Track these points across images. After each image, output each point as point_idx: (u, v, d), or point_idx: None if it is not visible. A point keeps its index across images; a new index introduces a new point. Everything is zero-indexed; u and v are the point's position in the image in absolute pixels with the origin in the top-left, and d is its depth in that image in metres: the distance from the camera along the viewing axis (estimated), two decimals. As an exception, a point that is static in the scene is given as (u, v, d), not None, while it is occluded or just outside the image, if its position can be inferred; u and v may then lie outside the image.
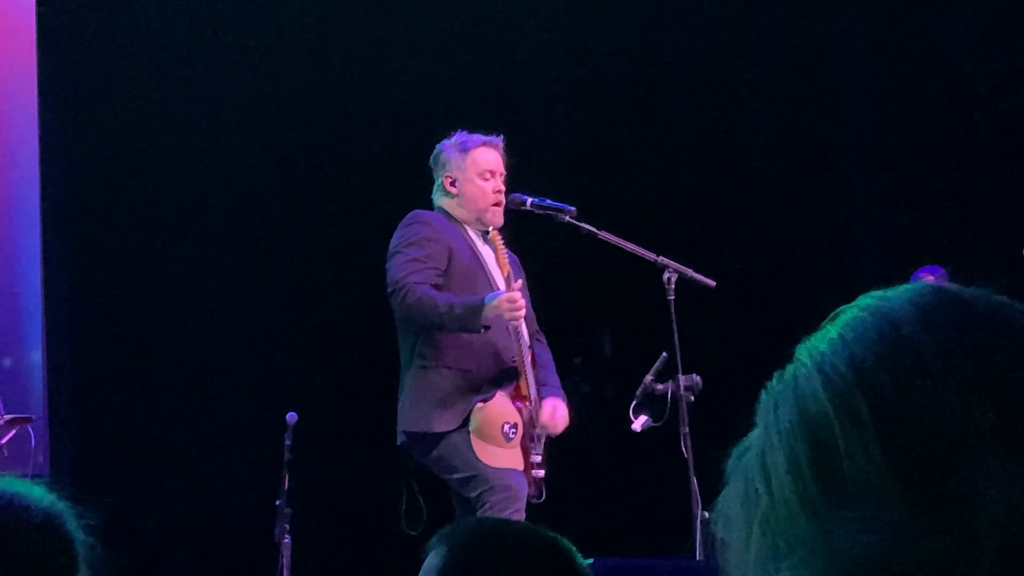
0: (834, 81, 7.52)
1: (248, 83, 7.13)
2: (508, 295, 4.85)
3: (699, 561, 4.88)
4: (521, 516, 4.92)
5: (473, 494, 4.93)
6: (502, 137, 5.28)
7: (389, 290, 5.05)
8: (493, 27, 7.38)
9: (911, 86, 7.40)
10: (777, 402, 0.93)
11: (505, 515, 4.84)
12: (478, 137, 5.25)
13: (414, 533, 5.09)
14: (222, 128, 7.07)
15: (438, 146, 5.29)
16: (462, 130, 5.29)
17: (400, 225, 5.19)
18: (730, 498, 0.93)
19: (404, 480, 5.21)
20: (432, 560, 1.83)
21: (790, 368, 0.94)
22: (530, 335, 5.29)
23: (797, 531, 0.88)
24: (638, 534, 6.68)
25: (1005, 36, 7.31)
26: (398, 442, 5.17)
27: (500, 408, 5.01)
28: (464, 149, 5.22)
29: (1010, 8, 7.30)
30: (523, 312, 4.92)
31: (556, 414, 5.19)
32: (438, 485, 5.20)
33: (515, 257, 5.43)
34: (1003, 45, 7.32)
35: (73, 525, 1.52)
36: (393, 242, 5.15)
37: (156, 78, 7.03)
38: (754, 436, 0.95)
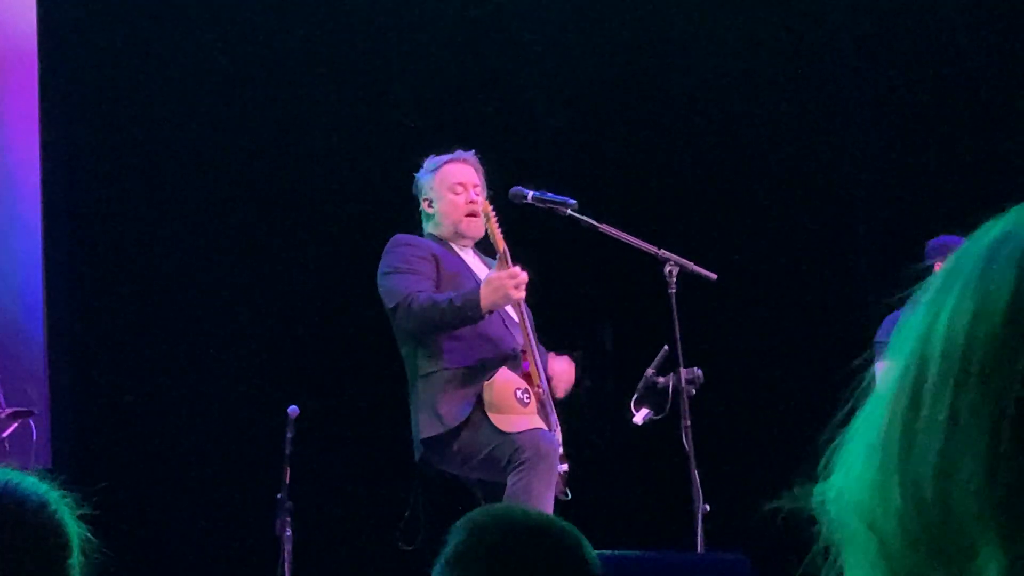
0: (834, 72, 7.52)
1: (248, 85, 7.12)
2: (509, 271, 4.88)
3: (700, 555, 4.88)
4: (554, 472, 4.89)
5: (502, 463, 4.88)
6: (473, 152, 5.35)
7: (391, 306, 5.07)
8: (492, 20, 7.38)
9: (912, 76, 7.39)
10: (967, 277, 0.76)
11: (538, 470, 4.81)
12: (446, 156, 5.35)
13: (409, 548, 5.09)
14: (222, 122, 7.07)
15: (415, 176, 5.38)
16: (432, 155, 5.38)
17: (384, 253, 5.24)
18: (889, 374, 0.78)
19: (412, 495, 5.20)
20: (449, 543, 1.89)
21: (997, 231, 0.77)
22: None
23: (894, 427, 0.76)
24: (639, 527, 6.68)
25: (1005, 29, 7.30)
26: (416, 458, 5.16)
27: (507, 378, 5.02)
28: (433, 169, 5.33)
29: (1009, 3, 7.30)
30: (524, 287, 4.93)
31: (561, 367, 5.23)
32: (448, 501, 5.19)
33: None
34: (1004, 37, 7.31)
35: (67, 514, 1.53)
36: (381, 268, 5.21)
37: (157, 79, 7.03)
38: (932, 294, 0.78)
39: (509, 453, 4.88)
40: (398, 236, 5.27)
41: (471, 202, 5.24)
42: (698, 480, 4.98)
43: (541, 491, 4.78)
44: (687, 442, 5.02)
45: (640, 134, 7.48)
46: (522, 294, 4.94)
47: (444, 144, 5.57)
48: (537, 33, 7.46)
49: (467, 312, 4.92)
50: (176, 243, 7.01)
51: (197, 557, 6.77)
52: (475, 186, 5.28)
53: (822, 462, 0.82)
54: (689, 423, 5.03)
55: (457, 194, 5.26)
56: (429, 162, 5.35)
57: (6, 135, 6.72)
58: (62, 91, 6.86)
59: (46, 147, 6.70)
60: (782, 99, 7.45)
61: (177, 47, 7.04)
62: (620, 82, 7.51)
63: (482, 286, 4.92)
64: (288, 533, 5.24)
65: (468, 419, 4.98)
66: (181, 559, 6.76)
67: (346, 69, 7.24)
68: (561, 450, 5.15)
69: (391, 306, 5.08)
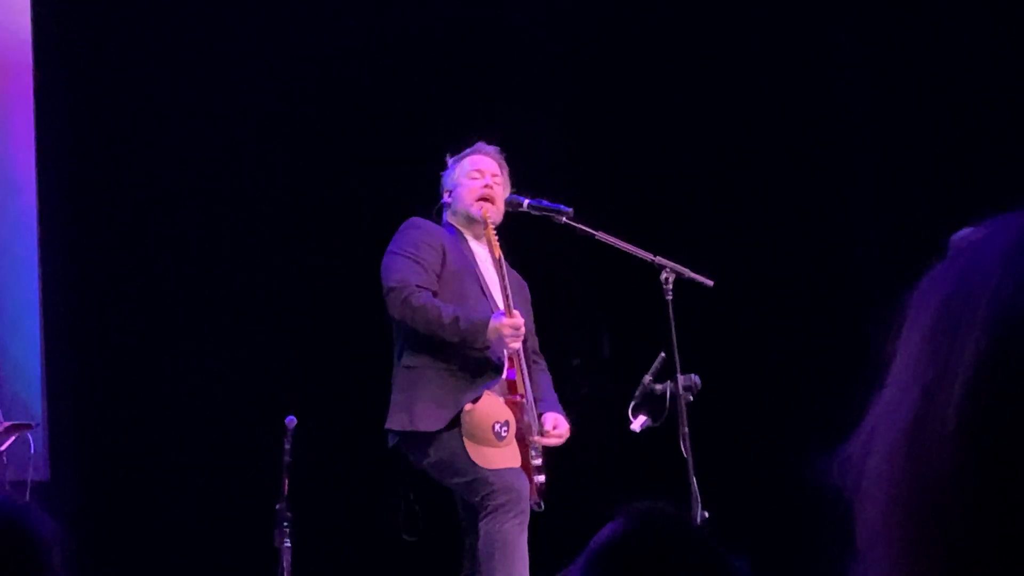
0: (832, 75, 7.52)
1: (243, 87, 7.12)
2: (511, 321, 4.92)
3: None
4: (526, 516, 4.93)
5: (476, 498, 4.95)
6: (496, 148, 5.40)
7: (387, 288, 5.09)
8: (488, 25, 7.38)
9: (911, 77, 7.39)
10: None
11: (510, 516, 4.87)
12: (468, 149, 5.40)
13: (412, 540, 5.10)
14: (220, 128, 7.06)
15: (442, 175, 5.45)
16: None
17: (397, 231, 5.26)
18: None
19: (400, 486, 5.22)
20: (603, 533, 1.89)
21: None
22: (528, 356, 5.31)
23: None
24: (638, 535, 6.66)
25: (1005, 23, 7.31)
26: (389, 444, 5.18)
27: (488, 409, 5.01)
28: (455, 162, 5.39)
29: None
30: (521, 339, 4.97)
31: (558, 427, 5.23)
32: (434, 489, 5.20)
33: (522, 282, 5.45)
34: (1003, 32, 7.31)
35: (34, 520, 1.54)
36: (390, 245, 5.21)
37: (151, 80, 7.03)
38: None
39: (483, 492, 4.93)
40: (414, 218, 5.30)
41: (486, 186, 5.26)
42: (696, 487, 4.97)
43: (514, 537, 4.87)
44: (685, 449, 5.01)
45: (635, 140, 7.47)
46: (517, 344, 4.98)
47: (436, 151, 5.58)
48: (532, 38, 7.46)
49: (469, 338, 4.96)
50: (174, 251, 7.00)
51: (196, 568, 6.76)
52: (494, 175, 5.31)
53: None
54: (687, 430, 5.03)
55: (474, 179, 5.29)
56: (452, 158, 5.40)
57: (3, 140, 6.72)
58: (58, 94, 6.86)
59: (42, 152, 6.70)
60: (779, 104, 7.45)
61: (172, 49, 7.04)
62: (616, 88, 7.51)
63: (489, 324, 4.95)
64: (287, 544, 5.23)
65: (443, 436, 4.99)
66: (180, 570, 6.75)
67: (342, 72, 7.23)
68: (540, 462, 5.16)
69: (386, 287, 5.10)
